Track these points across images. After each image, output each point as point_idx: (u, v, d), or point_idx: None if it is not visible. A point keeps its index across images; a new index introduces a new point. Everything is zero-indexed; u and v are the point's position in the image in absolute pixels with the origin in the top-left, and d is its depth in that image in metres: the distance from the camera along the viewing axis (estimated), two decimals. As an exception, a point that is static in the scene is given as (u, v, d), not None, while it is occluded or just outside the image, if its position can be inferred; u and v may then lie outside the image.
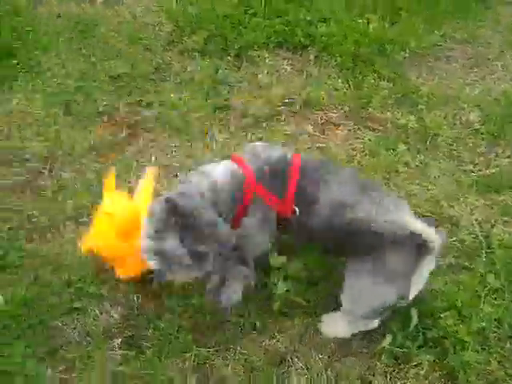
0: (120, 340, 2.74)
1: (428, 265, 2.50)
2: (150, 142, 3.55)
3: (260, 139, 3.55)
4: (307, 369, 2.69)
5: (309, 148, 3.54)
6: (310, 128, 3.67)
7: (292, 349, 2.74)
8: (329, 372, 2.67)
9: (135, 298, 2.86)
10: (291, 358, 2.72)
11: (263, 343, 2.76)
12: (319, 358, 2.72)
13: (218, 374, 2.65)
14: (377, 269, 2.50)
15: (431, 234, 2.40)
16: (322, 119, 3.72)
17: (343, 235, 2.53)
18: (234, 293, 2.50)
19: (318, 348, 2.75)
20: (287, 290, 2.81)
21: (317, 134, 3.65)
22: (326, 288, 2.85)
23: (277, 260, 2.88)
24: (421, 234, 2.39)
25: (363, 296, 2.57)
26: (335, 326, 2.77)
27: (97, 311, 2.83)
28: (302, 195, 2.55)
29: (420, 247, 2.43)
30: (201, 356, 2.70)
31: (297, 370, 2.69)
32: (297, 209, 2.55)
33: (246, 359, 2.71)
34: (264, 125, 3.65)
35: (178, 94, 3.77)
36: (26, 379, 2.61)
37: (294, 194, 2.54)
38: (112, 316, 2.83)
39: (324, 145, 3.57)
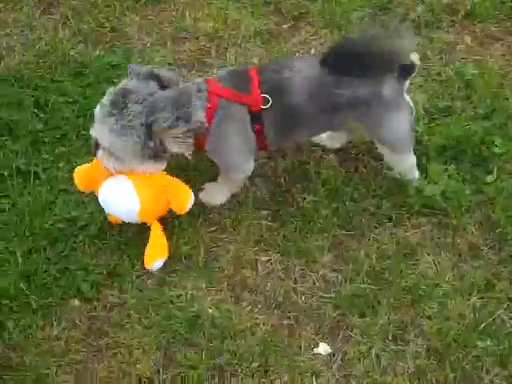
0: (266, 212, 2.98)
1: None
2: (311, 35, 3.66)
3: (417, 45, 3.60)
4: (435, 264, 2.83)
5: (463, 59, 3.55)
6: (468, 39, 3.64)
7: (423, 244, 2.89)
8: (455, 270, 2.80)
9: (283, 177, 3.10)
10: (421, 253, 2.87)
11: (396, 234, 2.91)
12: (448, 257, 2.85)
13: (351, 255, 2.85)
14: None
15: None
16: (482, 32, 3.67)
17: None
18: None
19: (447, 248, 2.87)
20: (431, 194, 2.96)
21: (475, 46, 3.62)
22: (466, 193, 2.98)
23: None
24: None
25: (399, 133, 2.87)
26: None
27: (248, 184, 3.05)
28: (269, 85, 2.66)
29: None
30: (337, 237, 2.90)
31: (425, 263, 2.84)
32: (268, 97, 2.63)
33: (378, 246, 2.87)
34: (424, 32, 3.65)
35: (343, -9, 3.80)
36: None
37: (258, 84, 2.65)
38: (261, 190, 3.06)
39: (481, 57, 3.55)
